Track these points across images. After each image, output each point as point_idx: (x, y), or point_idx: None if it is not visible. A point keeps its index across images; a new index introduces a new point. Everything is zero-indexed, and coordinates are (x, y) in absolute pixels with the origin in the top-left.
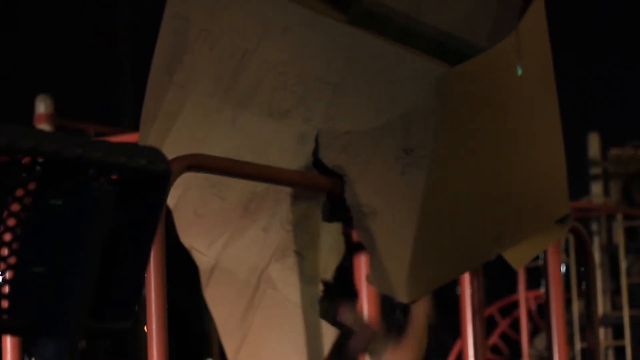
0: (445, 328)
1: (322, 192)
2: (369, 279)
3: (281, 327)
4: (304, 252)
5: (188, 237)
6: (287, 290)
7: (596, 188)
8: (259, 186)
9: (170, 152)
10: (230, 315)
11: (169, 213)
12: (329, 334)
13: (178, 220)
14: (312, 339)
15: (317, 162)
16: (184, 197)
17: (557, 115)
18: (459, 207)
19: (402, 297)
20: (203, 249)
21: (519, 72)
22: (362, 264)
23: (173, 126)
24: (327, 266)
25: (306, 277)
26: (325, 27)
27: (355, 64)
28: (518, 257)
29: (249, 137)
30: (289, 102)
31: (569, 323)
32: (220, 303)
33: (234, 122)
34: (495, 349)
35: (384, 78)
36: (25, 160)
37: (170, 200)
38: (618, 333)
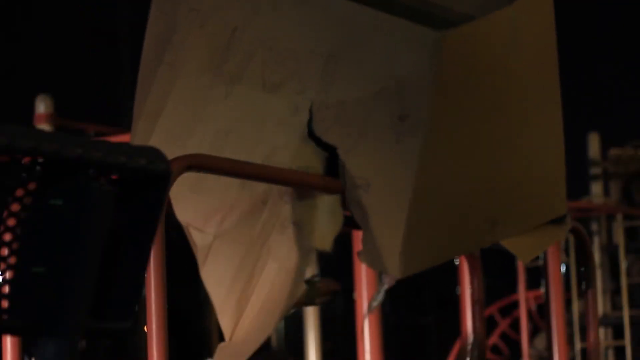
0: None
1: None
2: (360, 256)
3: (275, 297)
4: (302, 223)
5: (184, 215)
6: (287, 261)
7: (596, 188)
8: (255, 160)
9: (163, 131)
10: (229, 292)
11: (168, 213)
12: (299, 291)
13: (174, 198)
14: (286, 298)
15: (313, 133)
16: (180, 176)
17: (559, 111)
18: (454, 180)
19: (394, 271)
20: (200, 225)
21: (513, 48)
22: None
23: (165, 105)
24: (325, 238)
25: (303, 248)
26: (316, 0)
27: (348, 34)
28: (524, 252)
29: (242, 111)
30: (281, 75)
31: (569, 323)
32: (218, 280)
33: (227, 97)
34: (495, 349)
35: (377, 46)
36: (25, 160)
37: None
38: (618, 333)
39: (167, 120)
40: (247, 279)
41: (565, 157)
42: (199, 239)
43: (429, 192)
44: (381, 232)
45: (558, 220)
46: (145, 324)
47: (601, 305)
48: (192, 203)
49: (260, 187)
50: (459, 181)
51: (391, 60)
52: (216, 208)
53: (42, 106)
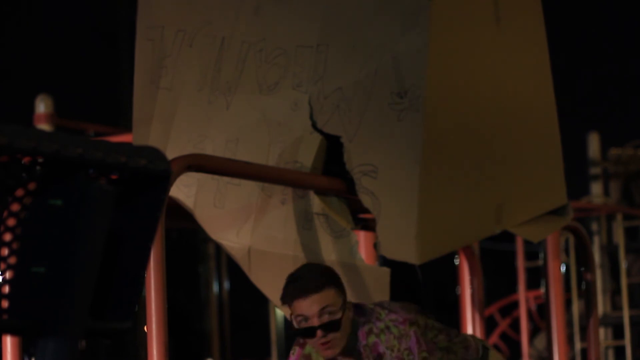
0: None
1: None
2: (377, 247)
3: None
4: (325, 212)
5: (214, 232)
6: (323, 252)
7: (596, 188)
8: (268, 163)
9: (174, 153)
10: (279, 292)
11: (168, 213)
12: (381, 275)
13: (201, 217)
14: (363, 285)
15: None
16: (201, 194)
17: (553, 105)
18: (459, 158)
19: (411, 258)
20: (232, 238)
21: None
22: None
23: (171, 128)
24: (347, 216)
25: (336, 232)
26: None
27: (334, 21)
28: (532, 234)
29: (245, 118)
30: (276, 74)
31: (569, 323)
32: (268, 283)
33: (228, 108)
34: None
35: (368, 25)
36: (25, 160)
37: (189, 200)
38: (618, 333)
39: (176, 142)
40: None
41: (561, 147)
42: (235, 251)
43: (436, 171)
44: (394, 218)
45: (559, 212)
46: (145, 324)
47: (601, 305)
48: (219, 219)
49: (276, 188)
50: (463, 159)
51: (384, 36)
52: (243, 218)
53: (42, 106)
